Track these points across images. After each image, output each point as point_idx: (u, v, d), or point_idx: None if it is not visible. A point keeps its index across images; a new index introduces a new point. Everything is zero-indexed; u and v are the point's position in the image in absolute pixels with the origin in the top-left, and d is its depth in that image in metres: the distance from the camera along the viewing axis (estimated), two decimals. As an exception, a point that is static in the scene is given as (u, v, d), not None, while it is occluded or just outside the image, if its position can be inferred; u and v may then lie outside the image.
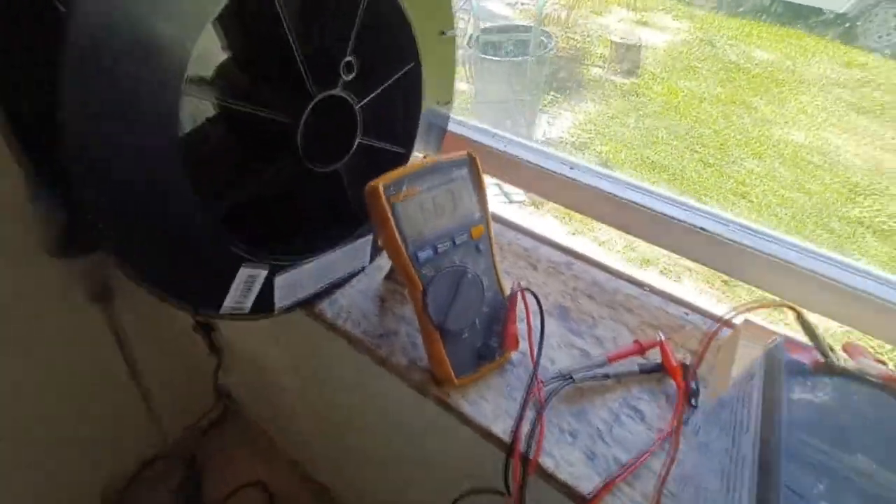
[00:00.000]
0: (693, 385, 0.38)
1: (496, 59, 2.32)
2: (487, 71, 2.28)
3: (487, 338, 0.39)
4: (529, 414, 0.37)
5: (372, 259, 0.49)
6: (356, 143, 0.39)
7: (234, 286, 0.36)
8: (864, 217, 2.20)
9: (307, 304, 0.44)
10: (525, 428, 0.37)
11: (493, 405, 0.39)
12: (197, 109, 0.34)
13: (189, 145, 0.32)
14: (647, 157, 2.58)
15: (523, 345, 0.42)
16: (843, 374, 0.23)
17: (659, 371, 0.40)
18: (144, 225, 0.30)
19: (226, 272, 0.36)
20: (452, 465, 0.54)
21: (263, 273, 0.37)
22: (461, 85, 3.00)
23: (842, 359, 0.22)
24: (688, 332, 0.45)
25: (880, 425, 0.21)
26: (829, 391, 0.22)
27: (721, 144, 2.58)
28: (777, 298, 0.41)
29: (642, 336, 0.44)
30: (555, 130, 2.74)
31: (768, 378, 0.24)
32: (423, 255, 0.35)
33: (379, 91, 0.40)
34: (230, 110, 0.34)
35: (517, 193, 2.39)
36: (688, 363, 0.40)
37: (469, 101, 2.56)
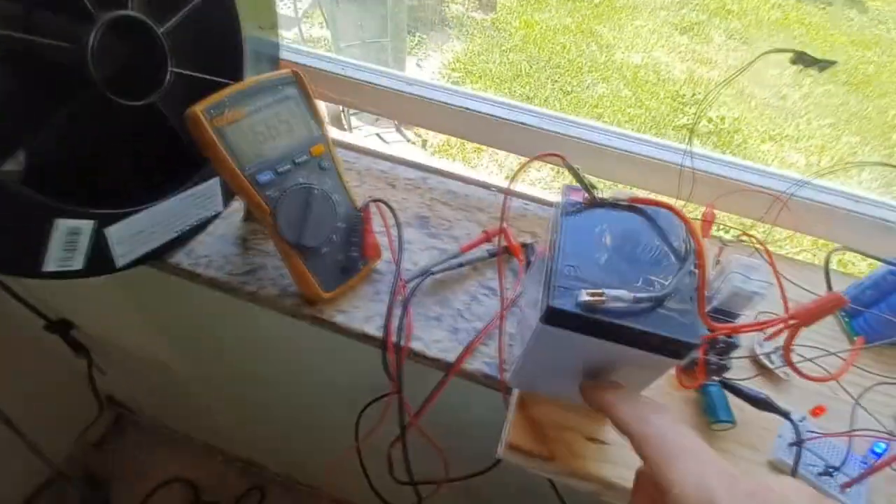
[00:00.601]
0: (532, 259, 0.45)
1: (351, -1, 2.18)
2: (343, 12, 2.16)
3: (348, 250, 0.41)
4: (398, 311, 0.41)
5: (227, 204, 0.47)
6: (168, 73, 0.37)
7: (52, 243, 0.33)
8: (690, 123, 2.59)
9: (156, 257, 0.42)
10: (395, 322, 0.40)
11: (364, 311, 0.42)
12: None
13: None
14: (514, 91, 2.71)
15: (388, 254, 0.45)
16: (603, 203, 0.29)
17: (506, 253, 0.46)
18: None
19: (38, 229, 0.32)
20: (355, 381, 0.57)
21: (88, 225, 0.35)
22: (318, 31, 2.80)
23: (605, 193, 0.29)
24: (529, 219, 0.51)
25: (624, 231, 0.28)
26: (592, 217, 0.29)
27: (575, 72, 2.80)
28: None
29: (492, 229, 0.49)
30: (424, 73, 2.72)
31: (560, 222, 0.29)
32: (263, 177, 0.36)
33: (183, 14, 0.37)
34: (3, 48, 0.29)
35: (390, 133, 2.36)
36: (528, 242, 0.47)
37: (330, 48, 2.41)
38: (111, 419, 1.24)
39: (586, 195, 0.29)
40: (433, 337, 0.41)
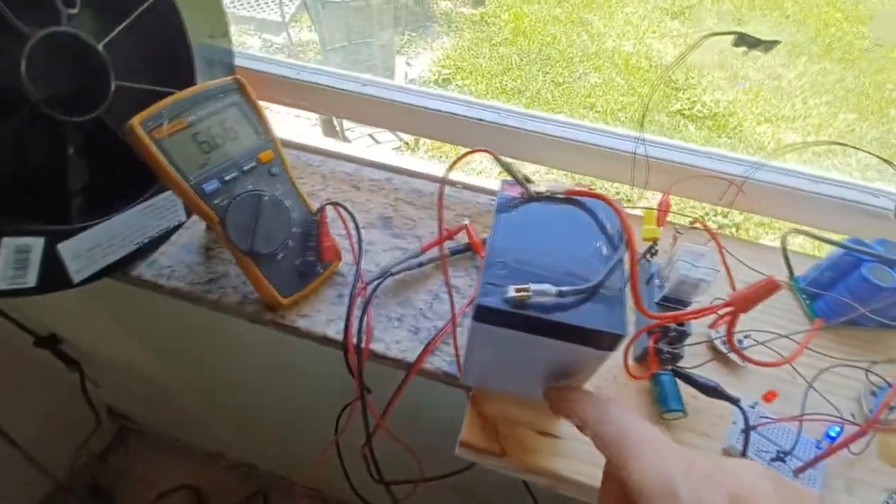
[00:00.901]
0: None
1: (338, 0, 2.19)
2: (331, 14, 2.16)
3: (305, 255, 0.41)
4: (359, 313, 0.41)
5: (190, 214, 0.48)
6: (113, 87, 0.37)
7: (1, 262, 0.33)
8: (683, 109, 2.56)
9: (117, 270, 0.43)
10: (355, 324, 0.40)
11: (326, 314, 0.42)
12: None
13: None
14: (505, 85, 2.69)
15: (349, 256, 0.45)
16: (539, 197, 0.29)
17: (468, 250, 0.46)
18: None
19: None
20: (338, 383, 0.57)
21: (37, 242, 0.35)
22: (307, 34, 2.80)
23: (541, 187, 0.29)
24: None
25: (562, 223, 0.28)
26: (529, 212, 0.28)
27: (567, 63, 2.78)
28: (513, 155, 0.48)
29: (454, 226, 0.49)
30: (415, 71, 2.71)
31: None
32: (209, 186, 0.36)
33: (122, 27, 0.37)
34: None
35: (382, 133, 2.36)
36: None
37: (318, 51, 2.41)
38: (113, 430, 1.26)
39: (523, 190, 0.29)
40: (394, 337, 0.41)
